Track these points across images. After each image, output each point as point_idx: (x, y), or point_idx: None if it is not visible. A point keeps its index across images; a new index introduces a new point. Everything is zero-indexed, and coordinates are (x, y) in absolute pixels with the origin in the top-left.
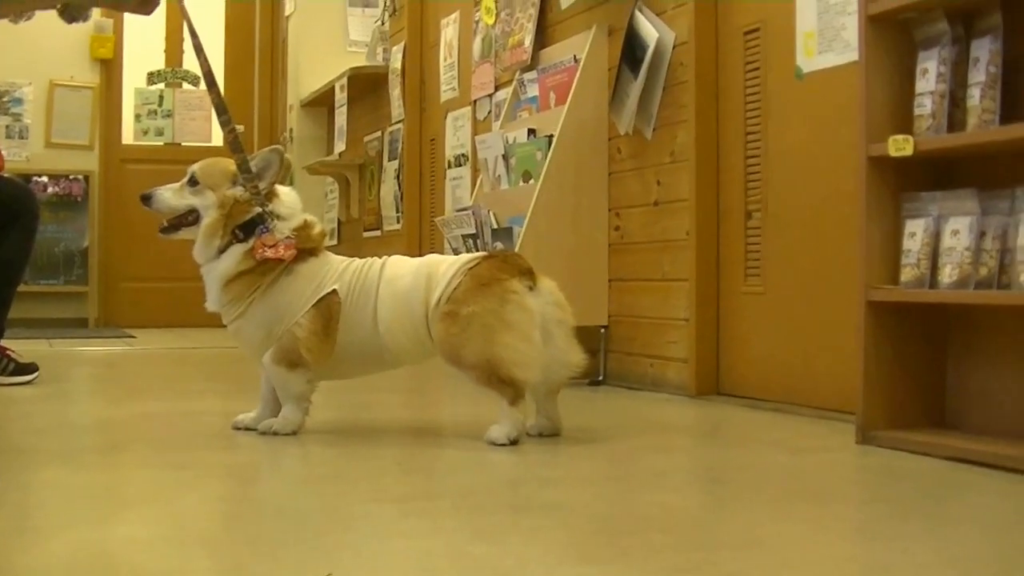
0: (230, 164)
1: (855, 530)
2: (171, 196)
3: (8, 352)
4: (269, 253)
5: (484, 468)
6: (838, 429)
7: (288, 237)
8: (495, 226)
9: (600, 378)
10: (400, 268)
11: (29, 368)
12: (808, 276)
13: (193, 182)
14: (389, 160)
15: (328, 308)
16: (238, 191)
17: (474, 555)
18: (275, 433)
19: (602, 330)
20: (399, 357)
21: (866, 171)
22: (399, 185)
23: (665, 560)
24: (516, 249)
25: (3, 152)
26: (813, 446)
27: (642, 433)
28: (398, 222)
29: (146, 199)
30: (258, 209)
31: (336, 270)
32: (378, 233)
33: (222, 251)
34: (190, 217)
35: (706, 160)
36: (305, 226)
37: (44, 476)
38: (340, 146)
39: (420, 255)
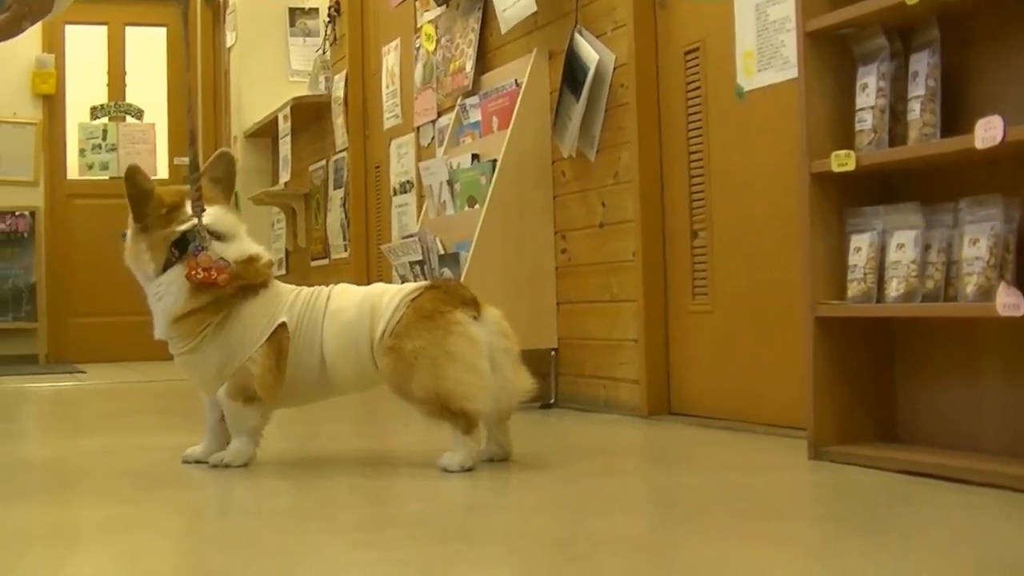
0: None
1: (807, 547)
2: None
3: None
4: (202, 276)
5: (436, 496)
6: (790, 446)
7: (221, 259)
8: (441, 252)
9: (551, 401)
10: (345, 300)
11: None
12: (756, 293)
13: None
14: (335, 188)
15: (279, 342)
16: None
17: None
18: (227, 465)
19: (552, 353)
20: (344, 387)
21: (809, 187)
22: (345, 213)
23: None
24: (463, 274)
25: None
26: (765, 464)
27: (593, 456)
28: (345, 250)
29: None
30: (191, 221)
31: (286, 301)
32: (326, 262)
33: (163, 270)
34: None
35: (650, 181)
36: (252, 260)
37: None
38: (285, 176)
39: (368, 282)
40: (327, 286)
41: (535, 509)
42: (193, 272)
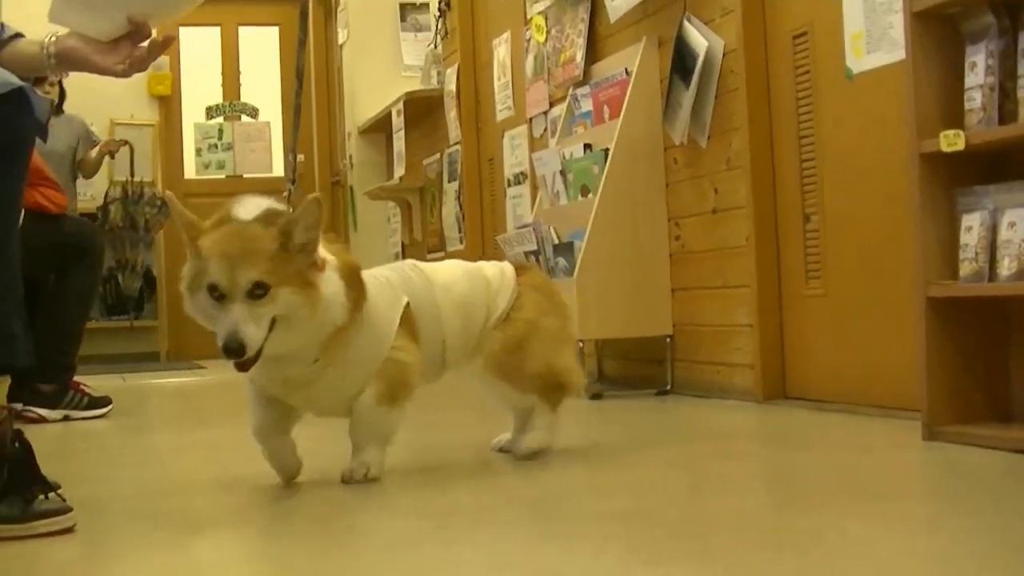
0: (263, 233)
1: (919, 525)
2: (254, 328)
3: (82, 387)
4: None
5: (551, 478)
6: (904, 427)
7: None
8: (556, 241)
9: (667, 387)
10: (447, 274)
11: (102, 402)
12: (869, 276)
13: (261, 291)
14: (449, 182)
15: (410, 322)
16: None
17: (542, 560)
18: (375, 479)
19: (667, 339)
20: (449, 366)
21: (919, 168)
22: (460, 206)
23: (730, 559)
24: (578, 263)
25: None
26: (879, 445)
27: (708, 439)
28: (461, 242)
29: (238, 353)
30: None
31: (376, 282)
32: (442, 254)
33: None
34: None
35: (761, 166)
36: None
37: (119, 506)
38: (399, 170)
39: None
40: (399, 262)
41: (649, 491)
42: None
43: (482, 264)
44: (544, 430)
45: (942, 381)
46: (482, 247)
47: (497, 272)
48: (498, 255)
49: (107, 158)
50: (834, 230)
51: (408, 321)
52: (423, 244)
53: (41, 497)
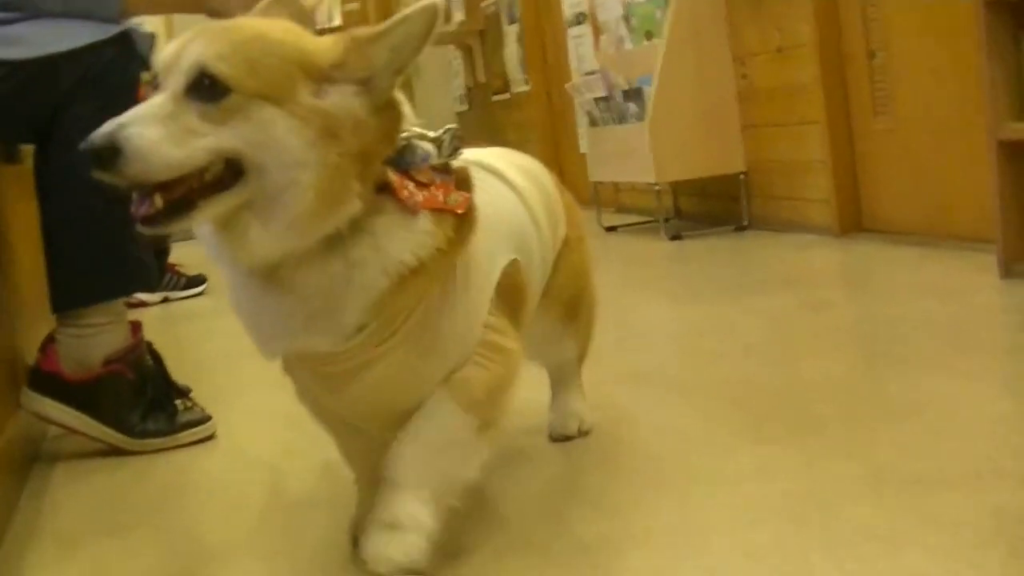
0: (301, 35)
1: (1003, 383)
2: (159, 132)
3: (176, 268)
4: (420, 199)
5: (651, 350)
6: (980, 263)
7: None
8: (625, 87)
9: (745, 224)
10: (519, 177)
11: (198, 280)
12: (936, 110)
13: (213, 90)
14: (509, 24)
15: (516, 288)
16: (340, 98)
17: (646, 438)
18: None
19: (741, 177)
20: None
21: (984, 14)
22: (522, 47)
23: (833, 435)
24: (650, 109)
25: None
26: (959, 286)
27: (790, 286)
28: (526, 83)
29: (99, 158)
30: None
31: (495, 216)
32: (507, 96)
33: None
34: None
35: (824, 4)
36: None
37: (254, 400)
38: (458, 15)
39: (551, 116)
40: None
41: (739, 353)
42: (407, 196)
43: (525, 159)
44: (583, 400)
45: (1017, 222)
46: (547, 88)
47: (531, 162)
48: (565, 97)
49: None
50: (899, 66)
51: (512, 287)
52: (488, 86)
53: (180, 407)
